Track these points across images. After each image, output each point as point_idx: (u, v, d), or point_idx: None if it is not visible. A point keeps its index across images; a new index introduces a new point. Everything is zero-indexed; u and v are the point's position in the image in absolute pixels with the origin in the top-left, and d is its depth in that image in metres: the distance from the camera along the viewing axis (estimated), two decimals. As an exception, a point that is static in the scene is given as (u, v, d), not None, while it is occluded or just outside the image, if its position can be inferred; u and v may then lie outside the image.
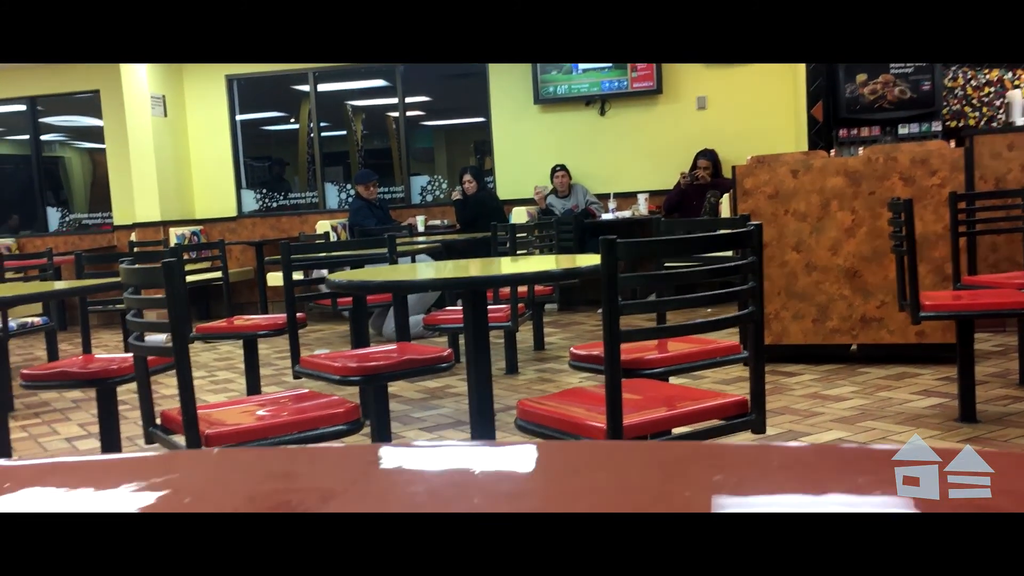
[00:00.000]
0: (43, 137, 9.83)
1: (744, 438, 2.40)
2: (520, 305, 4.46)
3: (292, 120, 9.80)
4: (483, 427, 2.70)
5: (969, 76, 6.54)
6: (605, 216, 7.55)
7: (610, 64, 7.77)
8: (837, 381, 4.24)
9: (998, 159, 5.45)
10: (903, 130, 6.20)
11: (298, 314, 3.27)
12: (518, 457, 0.82)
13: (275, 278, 7.57)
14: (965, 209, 4.18)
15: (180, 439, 2.15)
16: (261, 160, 9.66)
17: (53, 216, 9.71)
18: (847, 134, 6.29)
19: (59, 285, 3.43)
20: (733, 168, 4.74)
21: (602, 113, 7.96)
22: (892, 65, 6.20)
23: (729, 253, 3.81)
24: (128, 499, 0.71)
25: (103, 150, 9.24)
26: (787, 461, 0.76)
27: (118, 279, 3.56)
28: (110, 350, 6.57)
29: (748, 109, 7.53)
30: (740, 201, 4.62)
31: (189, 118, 8.89)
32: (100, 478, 0.79)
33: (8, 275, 5.40)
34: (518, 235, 4.75)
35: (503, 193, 8.12)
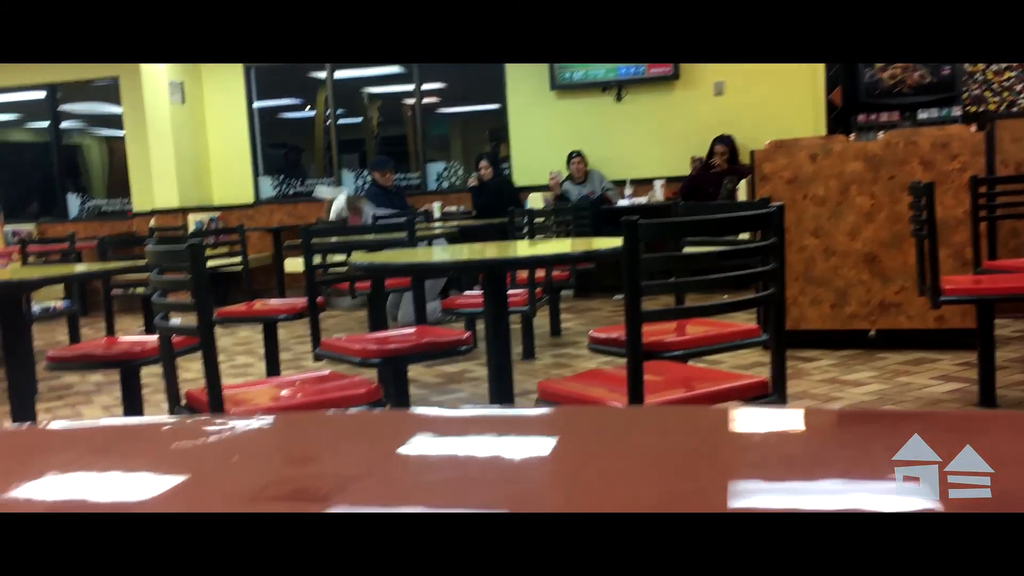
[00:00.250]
0: (62, 124, 9.89)
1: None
2: (537, 290, 4.47)
3: (308, 107, 9.82)
4: (503, 409, 2.72)
5: (990, 61, 6.50)
6: (621, 202, 7.54)
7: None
8: (855, 366, 4.23)
9: (1019, 143, 5.40)
10: (923, 115, 6.16)
11: (317, 298, 3.30)
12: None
13: (292, 264, 7.62)
14: (986, 193, 4.15)
15: (205, 418, 2.18)
16: (277, 147, 9.70)
17: (73, 202, 9.78)
18: (866, 119, 6.26)
19: (83, 268, 3.47)
20: (752, 153, 4.73)
21: (618, 99, 7.94)
22: (912, 49, 6.15)
23: (745, 236, 3.81)
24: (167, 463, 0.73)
25: (121, 137, 9.30)
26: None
27: (142, 262, 3.60)
28: (130, 334, 6.63)
29: (765, 95, 7.49)
30: (758, 186, 4.61)
31: (207, 105, 8.94)
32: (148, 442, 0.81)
33: (30, 260, 5.46)
34: (535, 221, 4.76)
35: (519, 179, 8.13)
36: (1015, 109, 6.28)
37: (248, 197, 8.98)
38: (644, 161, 7.84)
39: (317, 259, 3.44)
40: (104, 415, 4.30)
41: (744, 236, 3.82)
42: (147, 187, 8.76)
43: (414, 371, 4.69)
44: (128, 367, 3.29)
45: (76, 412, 4.39)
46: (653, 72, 7.77)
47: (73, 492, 0.65)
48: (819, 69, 6.64)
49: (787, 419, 0.89)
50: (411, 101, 9.00)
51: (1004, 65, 6.48)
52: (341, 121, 9.27)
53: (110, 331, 3.71)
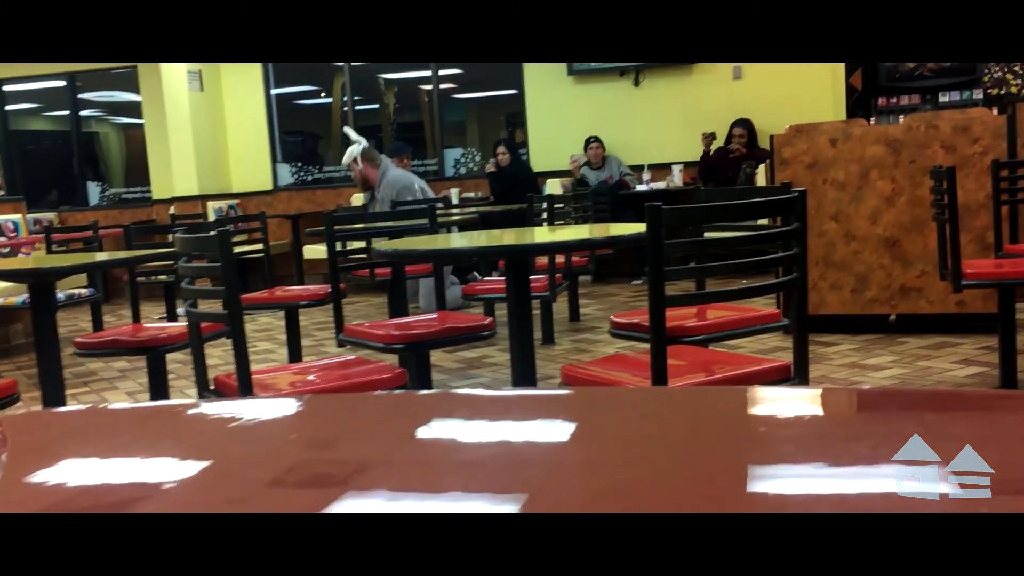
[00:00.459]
0: (80, 113, 9.97)
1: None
2: (557, 276, 4.49)
3: (323, 94, 9.85)
4: (525, 393, 2.74)
5: (1012, 43, 6.43)
6: (639, 187, 7.54)
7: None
8: (876, 351, 4.23)
9: (1041, 127, 5.36)
10: (943, 98, 6.12)
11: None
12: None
13: (311, 251, 7.66)
14: (1007, 177, 4.12)
15: (234, 402, 2.22)
16: (294, 134, 9.74)
17: (93, 191, 9.87)
18: (886, 103, 6.22)
19: (112, 255, 3.52)
20: (771, 137, 4.72)
21: (636, 84, 7.92)
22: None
23: (764, 221, 3.81)
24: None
25: (137, 125, 9.36)
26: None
27: (170, 249, 3.64)
28: (151, 321, 6.70)
29: (784, 79, 7.45)
30: (778, 171, 4.60)
31: (225, 92, 8.98)
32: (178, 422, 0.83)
33: (53, 248, 5.53)
34: (555, 206, 4.77)
35: (537, 165, 8.13)
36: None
37: (266, 184, 9.03)
38: (662, 146, 7.83)
39: (338, 246, 3.46)
40: (128, 401, 4.36)
41: (762, 221, 3.82)
42: (166, 175, 8.83)
43: (434, 357, 4.72)
44: (155, 353, 3.33)
45: (101, 398, 4.46)
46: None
47: (151, 462, 0.68)
48: (838, 52, 6.60)
49: (815, 398, 0.91)
50: (428, 87, 9.00)
51: (1026, 47, 6.41)
52: (358, 108, 9.29)
53: (136, 318, 3.76)
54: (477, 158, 8.79)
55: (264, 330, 6.21)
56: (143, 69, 8.99)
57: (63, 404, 3.36)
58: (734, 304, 2.88)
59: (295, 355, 4.40)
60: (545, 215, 5.14)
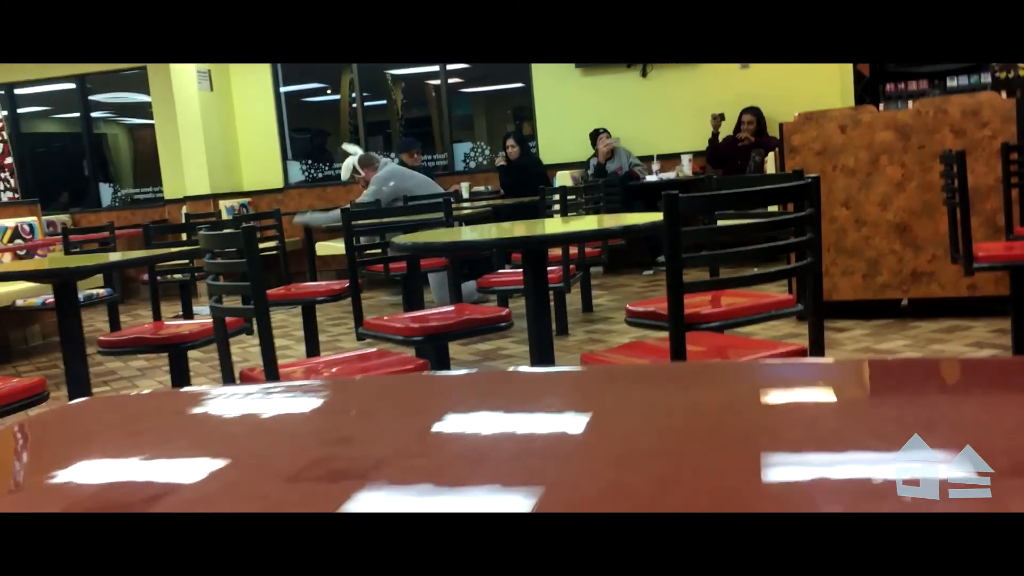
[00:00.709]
0: (92, 115, 10.04)
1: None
2: (571, 267, 4.53)
3: (329, 91, 9.89)
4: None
5: (1019, 26, 6.43)
6: (649, 178, 7.56)
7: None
8: (889, 335, 4.26)
9: (1050, 109, 5.36)
10: (951, 83, 6.13)
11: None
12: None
13: (323, 247, 7.71)
14: (1017, 160, 4.14)
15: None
16: (302, 132, 9.79)
17: (105, 192, 9.94)
18: (894, 88, 6.23)
19: (130, 255, 3.57)
20: (780, 125, 4.74)
21: (644, 75, 7.94)
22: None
23: (773, 209, 3.84)
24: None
25: (146, 125, 9.42)
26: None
27: (191, 247, 3.69)
28: (169, 319, 6.76)
29: (792, 67, 7.45)
30: (788, 158, 4.62)
31: (235, 91, 9.03)
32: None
33: (70, 250, 5.59)
34: (568, 198, 4.81)
35: (546, 158, 8.16)
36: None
37: (277, 182, 9.08)
38: (670, 136, 7.85)
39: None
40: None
41: (772, 208, 3.85)
42: (177, 175, 8.89)
43: (450, 350, 4.77)
44: (177, 350, 3.39)
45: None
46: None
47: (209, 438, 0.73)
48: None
49: (834, 370, 0.94)
50: (435, 82, 9.04)
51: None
52: (366, 104, 9.34)
53: (157, 315, 3.82)
54: (487, 152, 8.82)
55: (279, 327, 6.27)
56: (153, 70, 9.05)
57: (90, 401, 3.41)
58: (747, 291, 2.91)
59: (313, 350, 4.45)
60: (556, 207, 5.18)
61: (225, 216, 8.28)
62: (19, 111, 10.11)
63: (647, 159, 7.75)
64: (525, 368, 1.27)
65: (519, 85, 8.63)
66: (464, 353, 4.79)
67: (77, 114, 10.01)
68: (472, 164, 8.83)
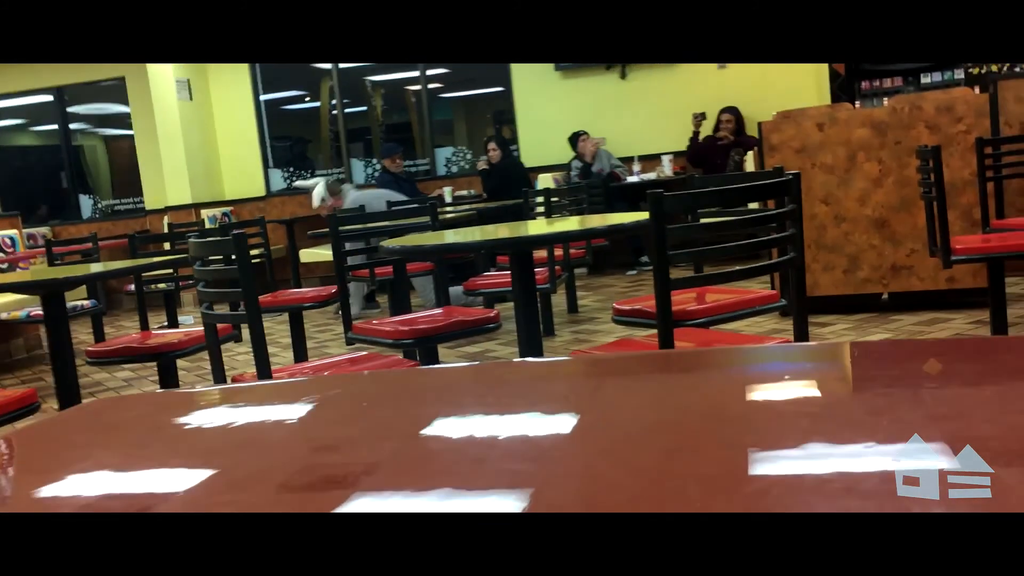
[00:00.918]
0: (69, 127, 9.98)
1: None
2: (556, 268, 4.56)
3: (308, 99, 9.90)
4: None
5: (991, 22, 6.54)
6: (630, 179, 7.62)
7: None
8: (870, 329, 4.33)
9: (1022, 104, 5.45)
10: (925, 79, 6.22)
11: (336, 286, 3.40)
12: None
13: (307, 254, 7.71)
14: (992, 154, 4.22)
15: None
16: (282, 139, 9.78)
17: (85, 204, 9.89)
18: (869, 86, 6.32)
19: (117, 264, 3.57)
20: (759, 124, 4.80)
21: (623, 77, 8.00)
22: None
23: (755, 206, 3.89)
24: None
25: (123, 136, 9.38)
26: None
27: (179, 256, 3.70)
28: (154, 330, 6.74)
29: (768, 67, 7.53)
30: (767, 156, 4.68)
31: (214, 100, 9.02)
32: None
33: (56, 262, 5.57)
34: (551, 200, 4.85)
35: (527, 160, 8.20)
36: (1018, 69, 6.33)
37: (259, 190, 9.07)
38: (650, 137, 7.92)
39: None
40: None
41: (752, 206, 3.90)
42: (158, 185, 8.86)
43: (439, 353, 4.79)
44: (166, 359, 3.39)
45: (111, 406, 4.51)
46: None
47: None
48: (821, 38, 6.69)
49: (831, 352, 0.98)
50: (415, 88, 9.06)
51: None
52: (346, 111, 9.34)
53: (144, 325, 3.82)
54: (468, 156, 8.86)
55: (266, 334, 6.26)
56: (131, 80, 9.02)
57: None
58: (730, 287, 2.96)
59: (301, 356, 4.46)
60: (539, 209, 5.22)
61: (208, 225, 8.26)
62: (-4, 124, 10.04)
63: (628, 160, 7.80)
64: (529, 359, 1.30)
65: (499, 89, 8.67)
66: (452, 356, 4.81)
67: (54, 126, 9.96)
68: (454, 168, 8.86)
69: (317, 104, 9.74)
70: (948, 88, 5.87)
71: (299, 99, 10.16)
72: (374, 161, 9.02)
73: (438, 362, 3.30)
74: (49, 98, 9.67)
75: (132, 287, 6.52)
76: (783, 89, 7.32)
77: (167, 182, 8.67)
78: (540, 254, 4.79)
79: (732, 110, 7.41)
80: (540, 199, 5.24)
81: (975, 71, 6.47)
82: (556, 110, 8.16)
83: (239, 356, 5.14)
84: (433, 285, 5.02)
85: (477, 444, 0.67)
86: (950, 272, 4.25)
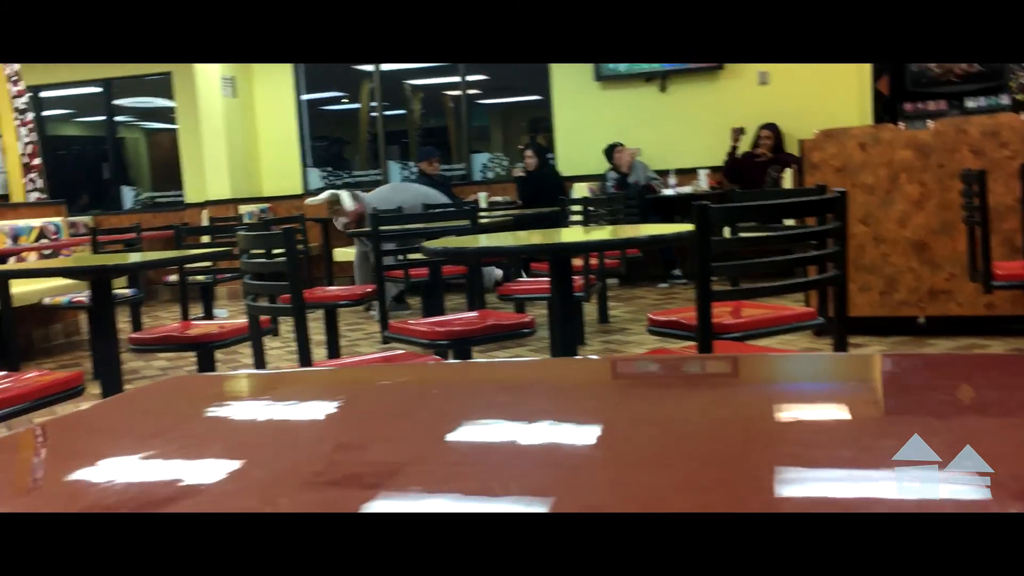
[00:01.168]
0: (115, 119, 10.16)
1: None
2: (591, 277, 4.58)
3: (346, 100, 10.00)
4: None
5: (1039, 48, 6.48)
6: (665, 192, 7.62)
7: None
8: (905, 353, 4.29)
9: (1069, 132, 5.40)
10: (970, 103, 6.17)
11: (373, 286, 3.44)
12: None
13: (340, 254, 7.79)
14: (1036, 181, 4.18)
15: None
16: (321, 140, 9.89)
17: (127, 194, 10.06)
18: (913, 108, 6.28)
19: (166, 254, 3.65)
20: (800, 142, 4.79)
21: (663, 90, 8.01)
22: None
23: (790, 223, 3.88)
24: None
25: (164, 130, 9.53)
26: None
27: (223, 248, 3.77)
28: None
29: (811, 84, 7.51)
30: (807, 174, 4.67)
31: (257, 98, 9.14)
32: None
33: (100, 250, 5.69)
34: (588, 209, 4.87)
35: (563, 169, 8.23)
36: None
37: (297, 188, 9.18)
38: (687, 150, 7.91)
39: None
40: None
41: (788, 222, 3.88)
42: (199, 179, 9.00)
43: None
44: (205, 349, 3.45)
45: (147, 394, 4.58)
46: (698, 62, 7.83)
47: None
48: (865, 58, 6.67)
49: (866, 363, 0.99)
50: (454, 93, 9.12)
51: (1053, 52, 6.45)
52: (385, 113, 9.43)
53: (184, 315, 3.88)
54: (504, 163, 8.90)
55: (298, 331, 6.33)
56: (178, 76, 9.17)
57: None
58: (767, 303, 2.96)
59: (334, 353, 4.51)
60: (574, 217, 5.24)
61: (246, 221, 8.37)
62: (43, 113, 10.24)
63: (664, 173, 7.80)
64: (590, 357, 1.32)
65: (536, 97, 8.71)
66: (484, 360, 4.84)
67: (99, 117, 10.14)
68: (490, 175, 8.91)
69: (357, 105, 9.84)
70: (993, 113, 5.82)
71: (339, 100, 10.27)
72: (410, 164, 9.09)
73: (472, 364, 3.32)
74: (97, 90, 9.84)
75: (170, 278, 6.66)
76: (825, 108, 7.29)
77: (207, 176, 8.80)
78: (575, 262, 4.81)
79: (771, 126, 7.40)
80: (577, 208, 5.27)
81: (1021, 97, 6.41)
82: (594, 120, 8.18)
83: (272, 351, 5.21)
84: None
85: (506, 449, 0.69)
86: (989, 298, 4.22)
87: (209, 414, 0.78)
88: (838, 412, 0.77)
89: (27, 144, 7.38)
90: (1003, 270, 3.50)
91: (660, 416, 0.77)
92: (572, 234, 3.44)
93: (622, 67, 8.03)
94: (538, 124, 8.97)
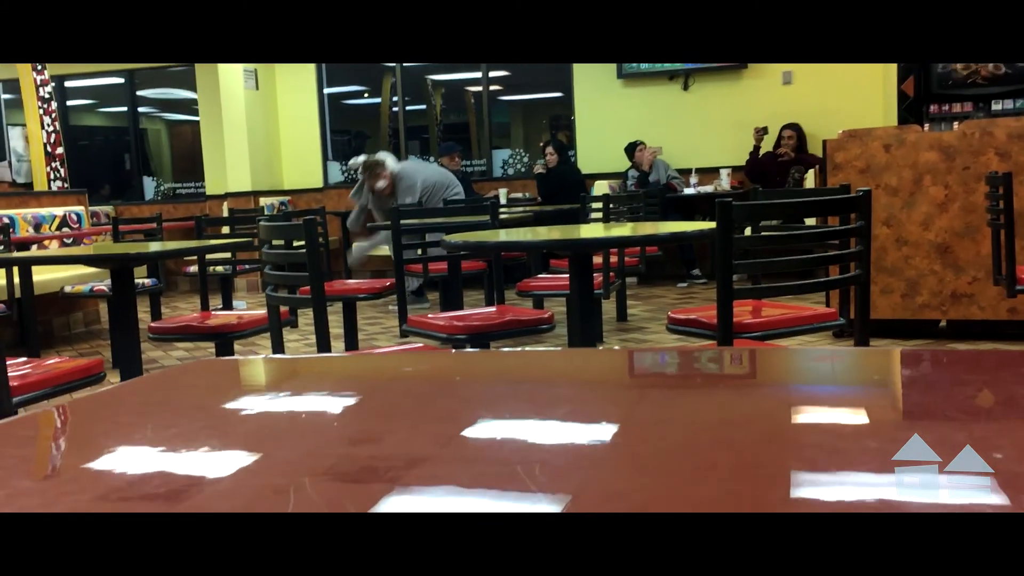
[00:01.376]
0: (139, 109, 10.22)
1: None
2: (611, 274, 4.56)
3: (366, 94, 10.01)
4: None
5: (1067, 51, 6.40)
6: (687, 191, 7.58)
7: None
8: (926, 355, 4.25)
9: (1097, 136, 5.33)
10: (996, 106, 6.11)
11: (393, 280, 3.44)
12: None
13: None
14: (1063, 185, 4.13)
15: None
16: (341, 133, 9.91)
17: (148, 185, 10.12)
18: (938, 110, 6.22)
19: (187, 244, 3.66)
20: (824, 142, 4.75)
21: (685, 88, 7.97)
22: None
23: (810, 222, 3.85)
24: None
25: (185, 122, 9.58)
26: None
27: (243, 239, 3.78)
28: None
29: (835, 84, 7.46)
30: (830, 175, 4.64)
31: (279, 91, 9.18)
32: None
33: (122, 239, 5.72)
34: (611, 206, 4.86)
35: (585, 167, 8.21)
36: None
37: (317, 182, 9.21)
38: (709, 149, 7.87)
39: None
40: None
41: (809, 222, 3.86)
42: (220, 171, 9.04)
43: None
44: (224, 339, 3.46)
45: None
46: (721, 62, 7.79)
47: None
48: (890, 59, 6.61)
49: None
50: (475, 88, 9.12)
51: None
52: (406, 108, 9.44)
53: (204, 306, 3.90)
54: (525, 159, 8.90)
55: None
56: (200, 68, 9.21)
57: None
58: (786, 303, 2.94)
59: (352, 346, 4.51)
60: (595, 215, 5.22)
61: (266, 213, 8.41)
62: (67, 103, 10.32)
63: (685, 172, 7.77)
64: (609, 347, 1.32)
65: (558, 94, 8.69)
66: (500, 356, 4.83)
67: (122, 108, 10.21)
68: (511, 171, 8.90)
69: (378, 100, 9.85)
70: (1020, 116, 5.76)
71: (360, 94, 10.28)
72: (430, 159, 9.10)
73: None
74: (120, 80, 9.91)
75: (190, 269, 6.70)
76: (848, 108, 7.23)
77: (228, 168, 8.84)
78: (597, 259, 4.79)
79: (794, 126, 7.35)
80: (597, 205, 5.25)
81: (1048, 100, 6.34)
82: (616, 118, 8.16)
83: (290, 343, 5.22)
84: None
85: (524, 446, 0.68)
86: (1012, 302, 4.17)
87: (235, 398, 0.78)
88: (869, 411, 0.76)
89: (50, 133, 7.45)
90: (1028, 274, 3.45)
91: (683, 414, 0.76)
92: (593, 230, 3.43)
93: (644, 65, 8.00)
94: (559, 121, 8.95)
